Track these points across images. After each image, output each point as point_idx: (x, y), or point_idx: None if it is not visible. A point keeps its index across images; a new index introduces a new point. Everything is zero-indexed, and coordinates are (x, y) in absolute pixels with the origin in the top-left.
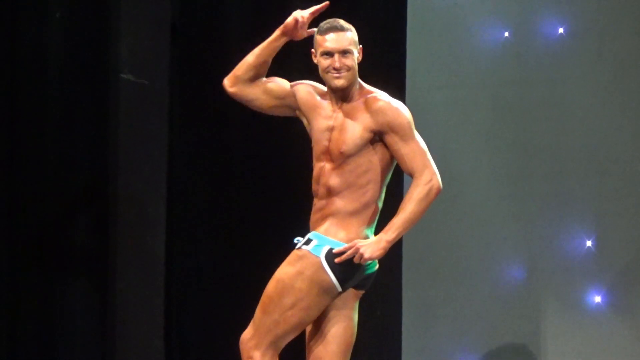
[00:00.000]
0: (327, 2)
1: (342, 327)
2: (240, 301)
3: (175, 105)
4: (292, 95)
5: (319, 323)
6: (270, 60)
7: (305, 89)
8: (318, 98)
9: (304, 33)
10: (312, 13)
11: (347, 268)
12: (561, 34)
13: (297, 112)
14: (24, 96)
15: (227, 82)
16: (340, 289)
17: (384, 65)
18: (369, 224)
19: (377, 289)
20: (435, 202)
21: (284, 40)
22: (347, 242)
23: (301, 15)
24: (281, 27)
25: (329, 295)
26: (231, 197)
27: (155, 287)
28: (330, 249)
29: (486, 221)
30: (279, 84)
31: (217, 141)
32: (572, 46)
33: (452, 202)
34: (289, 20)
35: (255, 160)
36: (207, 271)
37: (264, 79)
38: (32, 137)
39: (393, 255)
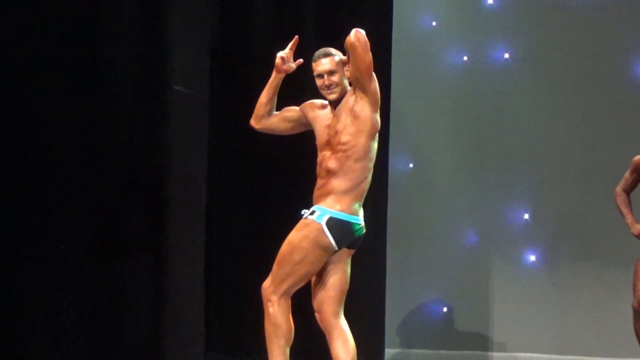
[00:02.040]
0: (297, 37)
1: (338, 278)
2: (261, 257)
3: (214, 110)
4: (303, 115)
5: (321, 275)
6: (276, 95)
7: (310, 106)
8: (317, 111)
9: (292, 65)
10: (291, 48)
11: (341, 231)
12: (507, 58)
13: (310, 126)
14: (102, 103)
15: (253, 122)
16: (336, 248)
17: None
18: (358, 199)
19: (366, 250)
20: (412, 185)
21: (280, 76)
22: (342, 212)
23: (284, 52)
24: (274, 68)
25: (328, 253)
26: (257, 180)
27: (197, 251)
28: (330, 218)
29: (450, 199)
30: (291, 110)
31: (247, 138)
32: (515, 67)
33: (424, 185)
34: (277, 60)
35: (276, 153)
36: (238, 239)
37: (277, 112)
38: (105, 137)
39: (379, 224)
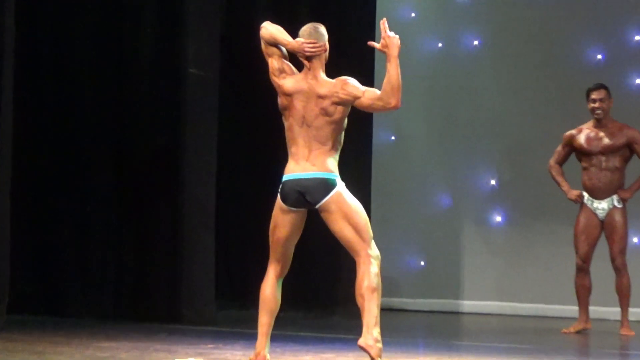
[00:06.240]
0: None
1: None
2: (264, 216)
3: (223, 90)
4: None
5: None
6: None
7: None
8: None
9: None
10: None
11: None
12: (476, 45)
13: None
14: (127, 84)
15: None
16: None
17: (358, 63)
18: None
19: None
20: (391, 154)
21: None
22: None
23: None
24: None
25: None
26: (260, 147)
27: (208, 211)
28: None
29: (425, 167)
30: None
31: (251, 111)
32: (483, 53)
33: (404, 156)
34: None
35: (276, 122)
36: (245, 199)
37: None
38: (130, 113)
39: (364, 189)
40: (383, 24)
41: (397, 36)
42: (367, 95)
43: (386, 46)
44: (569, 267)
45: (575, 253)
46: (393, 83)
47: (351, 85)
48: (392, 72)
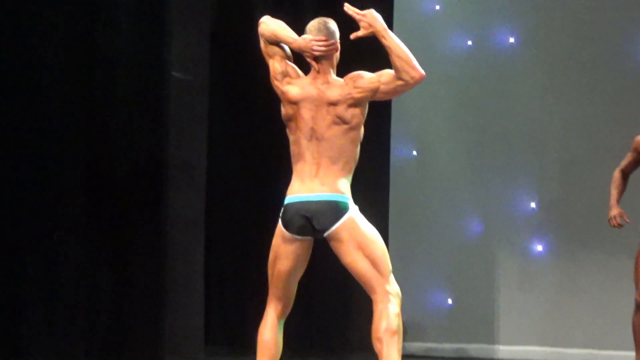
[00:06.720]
0: None
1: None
2: (262, 248)
3: (213, 96)
4: None
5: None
6: None
7: None
8: None
9: None
10: None
11: None
12: (511, 43)
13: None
14: (99, 90)
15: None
16: None
17: (374, 63)
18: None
19: None
20: (413, 172)
21: None
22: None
23: None
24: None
25: None
26: (258, 170)
27: (197, 241)
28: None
29: (452, 187)
30: None
31: (246, 123)
32: (519, 52)
33: (425, 172)
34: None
35: (278, 141)
36: (239, 228)
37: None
38: (103, 125)
39: (381, 212)
40: (348, 10)
41: (372, 9)
42: (383, 80)
43: (368, 26)
44: (626, 305)
45: (635, 288)
46: (402, 56)
47: (363, 79)
48: (393, 46)
